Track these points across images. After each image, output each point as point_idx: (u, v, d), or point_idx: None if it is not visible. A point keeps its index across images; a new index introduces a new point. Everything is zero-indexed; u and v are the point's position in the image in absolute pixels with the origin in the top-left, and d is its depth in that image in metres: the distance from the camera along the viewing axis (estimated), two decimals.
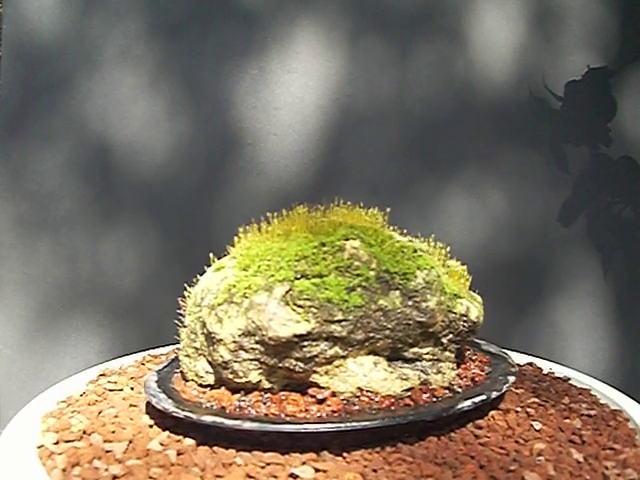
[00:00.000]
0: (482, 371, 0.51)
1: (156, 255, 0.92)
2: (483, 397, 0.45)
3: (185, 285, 0.51)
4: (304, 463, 0.39)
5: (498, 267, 0.96)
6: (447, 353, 0.48)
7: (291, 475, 0.37)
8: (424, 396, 0.45)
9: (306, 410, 0.42)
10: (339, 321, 0.42)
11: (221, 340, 0.43)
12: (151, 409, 0.47)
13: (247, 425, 0.40)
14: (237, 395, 0.44)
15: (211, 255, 0.51)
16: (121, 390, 0.53)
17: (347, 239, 0.46)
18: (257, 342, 0.43)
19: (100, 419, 0.46)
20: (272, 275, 0.44)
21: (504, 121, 0.96)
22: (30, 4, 0.89)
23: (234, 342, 0.43)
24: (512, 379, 0.49)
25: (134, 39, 0.91)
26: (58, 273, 0.90)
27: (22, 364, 0.91)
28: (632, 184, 0.98)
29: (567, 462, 0.40)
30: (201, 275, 0.51)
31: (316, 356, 0.42)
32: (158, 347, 0.67)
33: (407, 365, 0.46)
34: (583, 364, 0.98)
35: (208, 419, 0.40)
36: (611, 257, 0.98)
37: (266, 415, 0.42)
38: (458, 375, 0.49)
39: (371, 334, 0.44)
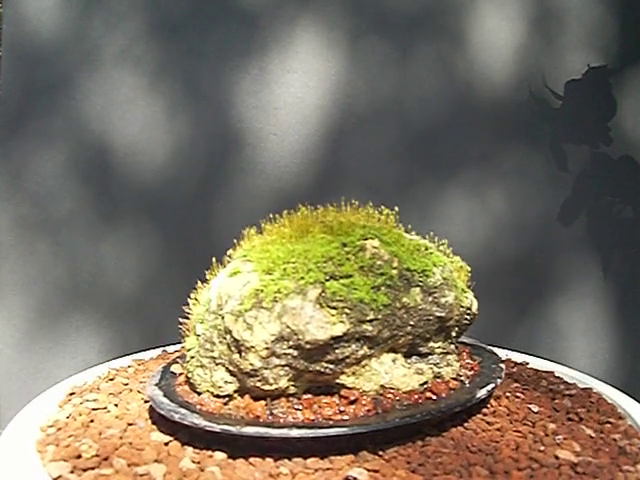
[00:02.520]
0: (474, 360, 0.52)
1: (156, 255, 0.92)
2: (492, 385, 0.46)
3: (185, 287, 0.50)
4: (348, 465, 0.38)
5: (498, 267, 0.96)
6: (452, 346, 0.50)
7: (347, 478, 0.36)
8: (442, 388, 0.46)
9: (341, 412, 0.42)
10: (370, 320, 0.43)
11: (252, 347, 0.42)
12: (162, 425, 0.44)
13: (295, 433, 0.38)
14: (262, 403, 0.43)
15: (214, 260, 0.50)
16: (105, 408, 0.49)
17: (366, 239, 0.46)
18: (290, 347, 0.42)
19: (106, 442, 0.42)
20: (302, 277, 0.43)
21: (504, 121, 0.96)
22: (30, 4, 0.89)
23: (266, 348, 0.41)
24: (504, 366, 0.50)
25: (134, 39, 0.91)
26: (58, 273, 0.90)
27: (22, 364, 0.91)
28: (632, 184, 0.98)
29: (583, 438, 0.42)
30: (201, 277, 0.50)
31: (347, 357, 0.42)
32: (120, 357, 0.63)
33: (421, 360, 0.47)
34: (583, 364, 0.98)
35: (251, 430, 0.39)
36: (611, 257, 0.98)
37: (303, 421, 0.41)
38: (461, 366, 0.50)
39: (395, 331, 0.44)
